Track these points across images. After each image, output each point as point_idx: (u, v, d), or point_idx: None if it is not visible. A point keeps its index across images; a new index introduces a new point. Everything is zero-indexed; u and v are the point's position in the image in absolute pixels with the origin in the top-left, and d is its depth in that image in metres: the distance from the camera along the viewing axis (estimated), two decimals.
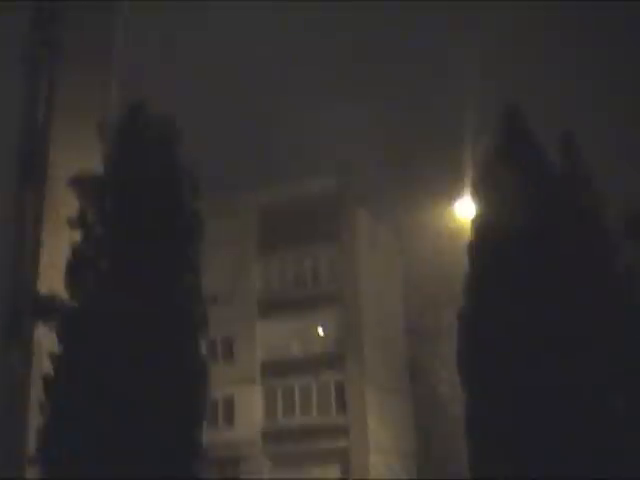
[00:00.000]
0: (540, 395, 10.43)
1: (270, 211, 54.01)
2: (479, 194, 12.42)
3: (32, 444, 10.54)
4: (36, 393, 10.79)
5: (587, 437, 10.16)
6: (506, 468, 10.59)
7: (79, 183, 11.58)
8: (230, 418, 50.04)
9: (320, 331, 52.88)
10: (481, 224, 12.00)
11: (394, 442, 51.34)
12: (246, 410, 50.53)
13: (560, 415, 10.29)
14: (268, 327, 51.78)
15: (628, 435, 10.53)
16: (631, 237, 10.36)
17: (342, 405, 49.49)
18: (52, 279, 14.12)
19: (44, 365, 10.95)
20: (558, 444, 10.15)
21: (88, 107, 20.01)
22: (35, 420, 10.54)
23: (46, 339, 11.58)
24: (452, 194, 35.00)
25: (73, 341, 10.73)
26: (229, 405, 49.66)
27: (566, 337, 10.69)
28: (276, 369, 50.73)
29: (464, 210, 30.76)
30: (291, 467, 46.04)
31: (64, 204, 13.72)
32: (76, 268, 11.03)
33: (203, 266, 11.38)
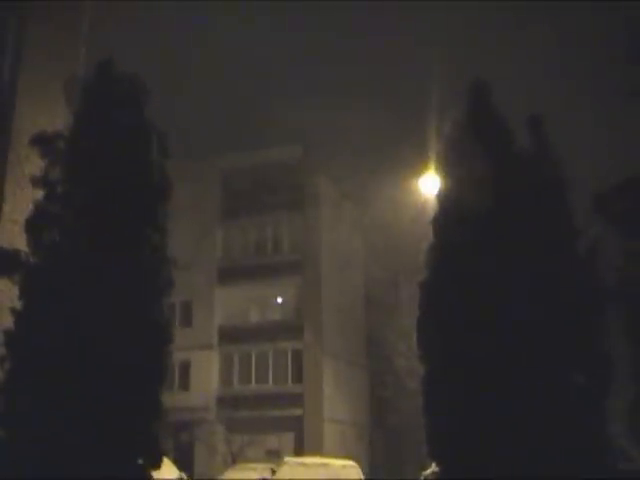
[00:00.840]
0: (500, 371, 10.54)
1: (233, 178, 53.85)
2: (444, 169, 12.45)
3: None
4: None
5: (546, 411, 10.31)
6: (463, 442, 10.71)
7: (42, 141, 11.43)
8: (186, 383, 50.07)
9: (279, 299, 52.98)
10: (446, 199, 12.04)
11: (349, 412, 51.70)
12: (202, 375, 50.60)
13: (519, 389, 10.41)
14: (227, 293, 51.79)
15: (588, 409, 10.70)
16: (597, 213, 10.48)
17: (298, 373, 49.72)
18: (14, 235, 13.99)
19: (5, 320, 10.88)
20: (517, 417, 10.28)
21: (56, 63, 19.77)
22: None
23: (7, 293, 11.48)
24: (417, 169, 35.03)
25: (34, 297, 10.65)
26: (185, 370, 49.67)
27: (527, 314, 10.79)
28: (233, 335, 50.80)
29: (428, 185, 30.81)
30: (245, 433, 46.20)
31: (29, 160, 13.56)
32: (38, 224, 10.90)
33: (169, 228, 11.32)
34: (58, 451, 9.93)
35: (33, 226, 10.96)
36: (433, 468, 20.78)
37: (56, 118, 15.51)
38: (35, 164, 11.87)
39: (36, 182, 11.32)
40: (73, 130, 11.36)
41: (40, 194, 11.22)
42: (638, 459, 10.55)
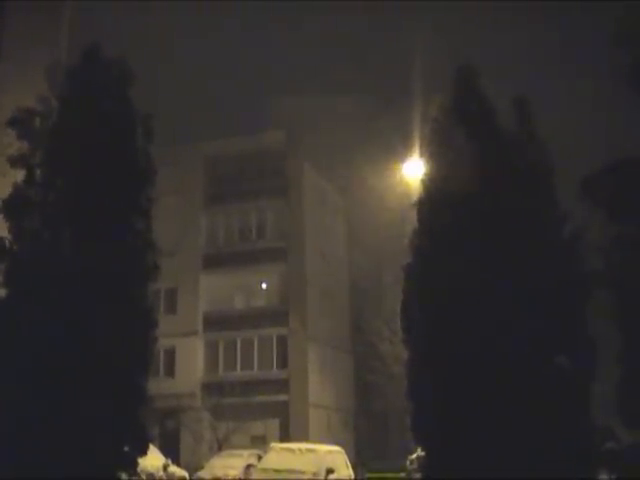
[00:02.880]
0: (484, 355, 10.56)
1: (217, 164, 53.72)
2: (429, 153, 12.44)
3: None
4: None
5: (532, 395, 10.35)
6: (447, 426, 10.74)
7: (18, 122, 11.32)
8: (171, 369, 50.04)
9: (264, 285, 52.96)
10: (430, 183, 12.04)
11: (334, 397, 51.82)
12: (187, 362, 50.56)
13: (504, 372, 10.44)
14: (212, 280, 51.73)
15: (573, 392, 10.75)
16: (584, 197, 10.49)
17: (283, 359, 49.76)
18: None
19: None
20: (502, 401, 10.32)
21: (38, 48, 19.60)
22: None
23: None
24: (402, 154, 35.03)
25: (18, 284, 10.59)
26: (170, 357, 49.63)
27: (511, 298, 10.82)
28: (218, 322, 50.76)
29: (412, 170, 30.81)
30: (231, 420, 46.22)
31: (12, 147, 13.45)
32: (17, 208, 10.82)
33: (154, 213, 11.26)
34: (43, 437, 9.91)
35: (12, 210, 10.86)
36: (418, 452, 20.85)
37: (39, 103, 15.39)
38: (17, 151, 11.76)
39: (14, 162, 11.20)
40: (57, 114, 11.28)
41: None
42: (625, 439, 10.62)
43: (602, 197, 10.44)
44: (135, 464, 10.69)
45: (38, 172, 11.06)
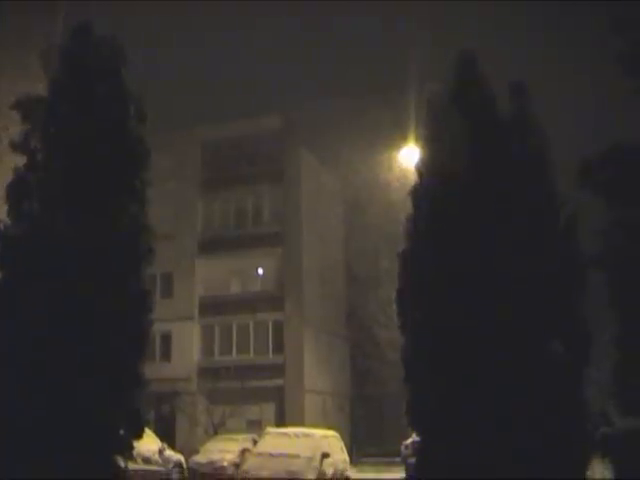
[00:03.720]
0: (480, 339, 10.60)
1: (213, 149, 53.64)
2: (424, 139, 12.44)
3: None
4: None
5: (528, 379, 10.39)
6: (443, 411, 10.79)
7: (22, 106, 11.31)
8: (167, 354, 50.11)
9: (260, 270, 52.97)
10: (425, 169, 12.04)
11: (330, 382, 51.93)
12: (183, 346, 50.63)
13: (501, 357, 10.48)
14: (208, 265, 51.71)
15: (569, 376, 10.80)
16: (581, 182, 10.50)
17: (279, 344, 49.81)
18: None
19: None
20: (498, 386, 10.36)
21: (33, 32, 19.54)
22: None
23: None
24: (398, 142, 35.03)
25: (14, 267, 10.59)
26: (166, 341, 49.69)
27: (508, 282, 10.85)
28: (214, 307, 50.79)
29: (409, 158, 30.81)
30: (227, 404, 46.33)
31: (8, 131, 13.43)
32: (17, 192, 10.82)
33: (148, 197, 11.24)
34: (37, 422, 9.93)
35: (13, 194, 10.87)
36: (413, 437, 20.92)
37: (36, 86, 15.37)
38: (14, 132, 11.74)
39: (15, 147, 11.20)
40: (50, 97, 11.25)
41: (20, 165, 11.13)
42: (619, 423, 10.68)
43: (600, 182, 10.45)
44: (131, 448, 10.71)
45: (39, 156, 11.05)
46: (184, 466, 27.51)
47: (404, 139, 32.14)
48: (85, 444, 10.08)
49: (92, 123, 10.97)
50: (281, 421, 45.09)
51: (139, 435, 10.81)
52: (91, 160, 10.80)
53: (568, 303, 11.27)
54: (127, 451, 10.67)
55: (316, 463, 21.89)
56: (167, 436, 31.23)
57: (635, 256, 10.19)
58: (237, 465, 31.67)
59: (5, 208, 10.93)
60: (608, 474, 11.61)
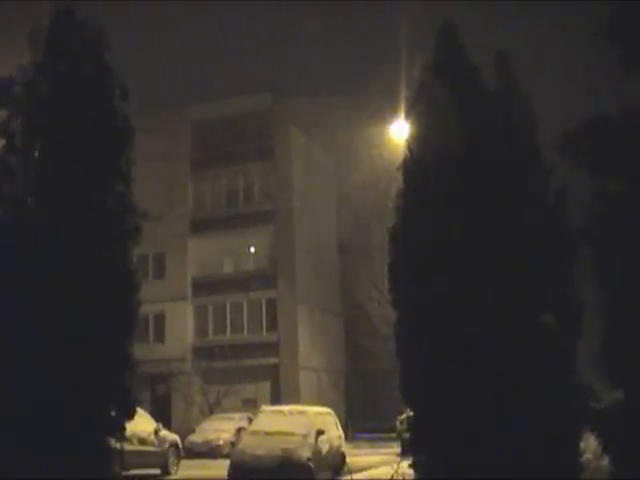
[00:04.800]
0: (470, 313, 10.58)
1: (203, 128, 53.51)
2: (413, 114, 12.37)
3: None
4: None
5: (518, 351, 10.39)
6: (436, 385, 10.78)
7: (2, 89, 11.20)
8: (161, 334, 50.24)
9: (252, 249, 53.01)
10: (415, 144, 11.98)
11: (324, 359, 52.09)
12: (177, 326, 50.74)
13: (490, 330, 10.47)
14: (200, 244, 51.75)
15: (559, 349, 10.80)
16: (565, 152, 10.44)
17: (273, 322, 49.96)
18: None
19: None
20: (489, 359, 10.36)
21: (19, 15, 19.37)
22: None
23: None
24: (388, 115, 34.89)
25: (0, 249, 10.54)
26: (160, 322, 49.79)
27: (497, 255, 10.82)
28: (207, 286, 50.88)
29: (399, 131, 30.70)
30: (222, 384, 46.46)
31: None
32: (0, 176, 10.73)
33: (134, 176, 11.15)
34: (25, 400, 9.91)
35: None
36: (407, 413, 21.00)
37: (19, 72, 15.26)
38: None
39: None
40: (31, 79, 11.14)
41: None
42: (605, 398, 10.67)
43: (582, 153, 10.39)
44: (122, 429, 10.69)
45: (19, 139, 10.95)
46: (180, 446, 27.55)
47: (396, 111, 32.04)
48: (75, 426, 10.05)
49: (74, 103, 10.87)
50: (276, 399, 45.23)
51: (131, 416, 10.77)
52: (74, 140, 10.71)
53: (559, 275, 11.25)
54: (119, 432, 10.65)
55: (311, 440, 21.93)
56: (163, 416, 31.31)
57: (619, 227, 10.14)
58: (233, 444, 31.83)
59: None
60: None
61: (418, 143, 11.93)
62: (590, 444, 11.68)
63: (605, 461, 10.90)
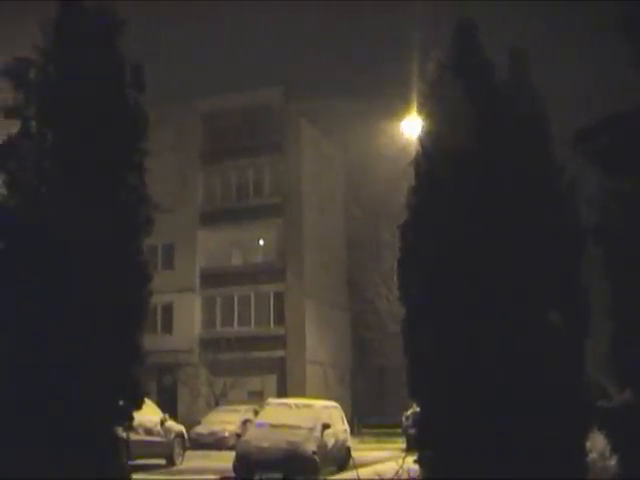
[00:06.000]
0: (480, 309, 10.57)
1: (214, 120, 53.54)
2: (426, 110, 12.35)
3: None
4: None
5: (527, 349, 10.38)
6: (443, 381, 10.79)
7: (12, 72, 11.16)
8: (169, 326, 50.33)
9: (261, 242, 53.05)
10: (427, 139, 11.97)
11: (331, 353, 52.11)
12: (185, 318, 50.82)
13: (501, 327, 10.47)
14: (209, 236, 51.83)
15: (568, 347, 10.78)
16: (578, 149, 10.42)
17: (280, 316, 49.99)
18: None
19: None
20: (498, 355, 10.35)
21: (33, 2, 19.39)
22: None
23: None
24: (400, 111, 34.87)
25: (11, 238, 10.55)
26: (168, 312, 49.87)
27: (507, 252, 10.81)
28: (216, 278, 50.94)
29: (411, 128, 30.69)
30: (228, 375, 46.55)
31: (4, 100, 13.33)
32: (12, 162, 10.73)
33: (147, 167, 11.15)
34: (35, 390, 9.95)
35: (6, 162, 10.76)
36: (414, 408, 20.97)
37: (34, 54, 15.28)
38: (8, 98, 11.61)
39: (9, 114, 11.06)
40: (45, 64, 11.13)
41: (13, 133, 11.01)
42: (615, 396, 10.65)
43: (596, 151, 10.36)
44: (130, 418, 10.71)
45: (33, 124, 10.95)
46: (185, 437, 27.65)
47: (407, 109, 32.02)
48: (84, 415, 10.09)
49: (89, 91, 10.87)
50: (282, 392, 45.30)
51: (139, 406, 10.78)
52: (89, 129, 10.72)
53: (568, 273, 11.24)
54: (127, 422, 10.67)
55: (317, 434, 21.96)
56: (169, 407, 31.37)
57: (631, 225, 10.11)
58: (239, 436, 31.90)
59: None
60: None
61: (430, 139, 11.92)
62: (596, 443, 11.68)
63: (612, 461, 10.90)
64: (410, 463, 12.33)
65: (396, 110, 35.46)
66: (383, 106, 45.15)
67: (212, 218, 51.77)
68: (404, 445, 28.78)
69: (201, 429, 36.96)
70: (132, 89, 11.16)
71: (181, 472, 24.10)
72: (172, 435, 25.91)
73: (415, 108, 15.46)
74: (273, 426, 22.24)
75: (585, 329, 11.03)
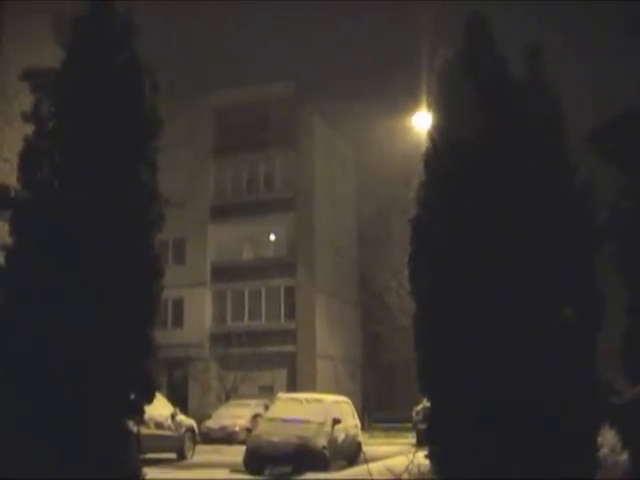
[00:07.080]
0: (492, 307, 10.55)
1: (225, 115, 53.57)
2: (436, 105, 12.33)
3: None
4: None
5: (538, 345, 10.37)
6: (454, 376, 10.77)
7: (33, 76, 11.28)
8: (179, 320, 50.41)
9: (272, 236, 53.08)
10: (437, 134, 11.95)
11: (342, 348, 52.12)
12: (195, 312, 50.90)
13: (512, 323, 10.45)
14: (220, 231, 51.88)
15: (581, 344, 10.76)
16: (592, 148, 10.40)
17: (291, 310, 50.02)
18: (6, 173, 13.89)
19: None
20: (509, 352, 10.34)
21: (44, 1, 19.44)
22: None
23: None
24: (410, 106, 34.81)
25: (25, 233, 10.61)
26: (179, 307, 49.97)
27: (520, 249, 10.79)
28: (226, 273, 50.99)
29: (421, 122, 30.64)
30: (239, 370, 46.60)
31: (17, 98, 13.42)
32: (29, 160, 10.81)
33: (159, 164, 11.22)
34: (46, 382, 9.99)
35: (24, 162, 10.86)
36: (424, 403, 20.98)
37: (44, 54, 15.33)
38: (25, 101, 11.73)
39: (27, 118, 11.19)
40: (64, 65, 11.20)
41: (30, 131, 11.10)
42: (626, 392, 10.65)
43: (611, 149, 10.34)
44: (142, 412, 10.74)
45: (50, 124, 11.03)
46: (196, 431, 27.71)
47: (417, 104, 31.98)
48: (96, 408, 10.13)
49: (104, 90, 10.92)
50: (293, 387, 45.36)
51: (150, 400, 10.81)
52: (103, 127, 10.77)
53: (581, 269, 11.20)
54: (138, 416, 10.71)
55: (327, 429, 21.98)
56: (179, 402, 31.44)
57: None
58: (249, 430, 31.96)
59: (16, 175, 10.92)
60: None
61: (440, 134, 11.90)
62: (607, 439, 11.66)
63: (623, 457, 10.88)
64: (420, 458, 12.34)
65: (407, 107, 35.43)
66: (394, 104, 45.11)
67: (223, 212, 51.81)
68: (414, 440, 28.75)
69: (212, 423, 37.03)
70: (147, 90, 11.23)
71: (192, 466, 24.14)
72: (183, 429, 25.96)
73: (425, 101, 15.44)
74: (283, 420, 22.27)
75: (597, 325, 11.01)
